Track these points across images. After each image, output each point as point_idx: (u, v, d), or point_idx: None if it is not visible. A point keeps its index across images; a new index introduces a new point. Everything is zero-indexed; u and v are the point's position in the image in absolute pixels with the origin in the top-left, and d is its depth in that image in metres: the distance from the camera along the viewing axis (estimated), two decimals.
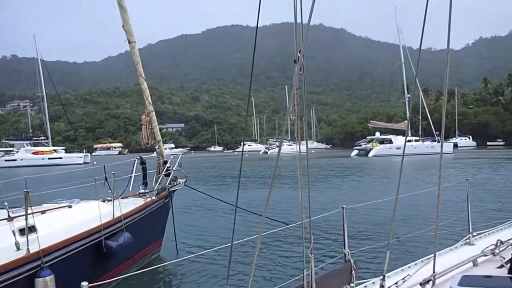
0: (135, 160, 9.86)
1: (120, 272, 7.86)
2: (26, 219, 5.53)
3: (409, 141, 61.70)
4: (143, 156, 10.23)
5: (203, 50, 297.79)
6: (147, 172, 10.02)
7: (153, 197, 9.21)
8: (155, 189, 9.53)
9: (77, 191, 9.08)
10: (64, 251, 6.07)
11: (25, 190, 5.42)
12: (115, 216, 7.51)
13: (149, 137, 10.00)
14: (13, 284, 5.19)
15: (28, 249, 5.45)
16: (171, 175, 9.99)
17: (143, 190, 9.57)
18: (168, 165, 9.98)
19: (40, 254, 5.48)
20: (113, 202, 7.66)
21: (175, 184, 10.09)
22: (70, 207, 7.34)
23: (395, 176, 26.20)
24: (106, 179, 8.38)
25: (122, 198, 8.05)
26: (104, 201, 8.01)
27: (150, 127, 10.01)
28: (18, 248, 5.52)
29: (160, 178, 9.80)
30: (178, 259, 7.85)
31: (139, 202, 8.85)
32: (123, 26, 9.28)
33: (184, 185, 10.39)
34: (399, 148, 58.22)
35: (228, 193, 20.84)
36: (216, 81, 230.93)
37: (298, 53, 2.94)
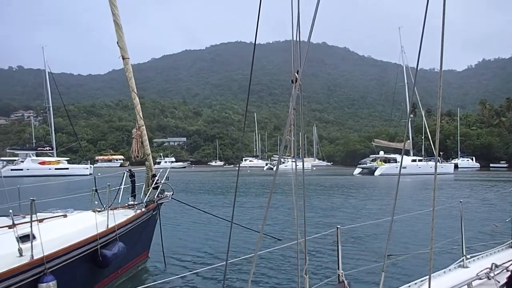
0: (124, 173, 10.10)
1: (111, 282, 8.06)
2: (31, 227, 5.72)
3: (414, 160, 61.62)
4: (132, 169, 10.48)
5: (207, 65, 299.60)
6: (136, 184, 10.29)
7: (143, 209, 9.43)
8: (144, 201, 9.77)
9: (66, 201, 9.19)
10: (65, 258, 6.22)
11: (31, 198, 5.62)
12: (109, 226, 7.67)
13: (139, 150, 10.30)
14: None
15: (32, 255, 5.60)
16: (159, 188, 10.28)
17: (132, 202, 9.86)
18: (156, 178, 10.30)
19: (43, 261, 5.63)
20: (108, 213, 7.85)
21: (163, 197, 10.39)
22: (65, 216, 7.61)
23: (407, 195, 26.36)
24: (96, 190, 8.55)
25: (112, 209, 8.18)
26: (94, 212, 8.15)
27: (140, 140, 10.28)
28: (20, 254, 5.69)
29: (149, 191, 10.08)
30: (175, 277, 7.80)
31: (129, 213, 9.07)
32: (117, 43, 9.61)
33: (171, 198, 10.68)
34: (405, 168, 57.63)
35: (223, 206, 20.86)
36: (218, 97, 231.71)
37: (296, 74, 2.99)
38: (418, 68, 3.29)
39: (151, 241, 10.39)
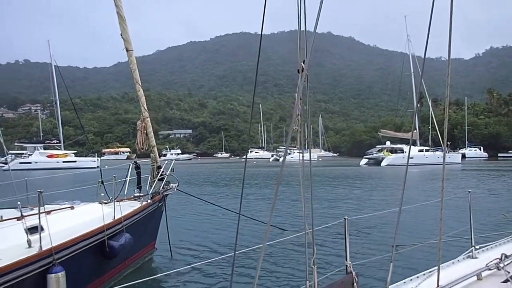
0: (129, 165, 10.20)
1: (118, 273, 8.17)
2: (39, 218, 5.84)
3: (421, 150, 61.29)
4: (137, 161, 10.58)
5: (211, 57, 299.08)
6: (141, 176, 10.39)
7: (149, 200, 9.51)
8: (149, 193, 9.87)
9: (73, 193, 9.31)
10: (73, 249, 6.32)
11: (39, 190, 5.70)
12: (116, 218, 7.75)
13: (144, 142, 10.37)
14: (26, 280, 5.40)
15: (40, 246, 5.70)
16: (164, 180, 10.35)
17: (138, 194, 9.98)
18: (161, 170, 10.39)
19: (52, 252, 5.73)
20: (114, 204, 7.93)
21: (168, 188, 10.46)
22: (72, 208, 7.73)
23: (414, 186, 26.28)
24: (102, 182, 8.63)
25: (118, 201, 8.28)
26: (101, 204, 8.25)
27: (145, 132, 10.34)
28: (29, 246, 5.81)
29: (155, 183, 10.16)
30: (182, 268, 7.85)
31: (135, 205, 9.15)
32: (121, 35, 9.63)
33: (177, 189, 10.76)
34: (412, 158, 57.19)
35: (228, 198, 20.94)
36: (223, 88, 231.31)
37: (302, 63, 2.96)
38: (426, 57, 3.24)
39: (158, 233, 10.50)
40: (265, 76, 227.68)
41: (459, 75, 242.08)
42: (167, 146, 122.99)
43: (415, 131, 63.04)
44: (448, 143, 55.79)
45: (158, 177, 10.25)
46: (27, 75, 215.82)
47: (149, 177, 10.46)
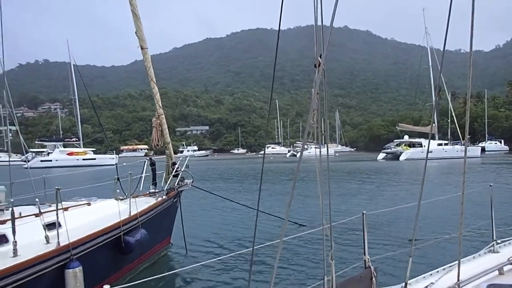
0: (145, 161, 10.31)
1: (134, 268, 8.27)
2: (57, 214, 5.99)
3: (440, 144, 60.34)
4: (152, 158, 10.72)
5: (227, 53, 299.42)
6: (156, 173, 10.48)
7: (164, 197, 9.60)
8: (164, 189, 9.95)
9: (90, 190, 9.44)
10: (90, 245, 6.44)
11: (56, 187, 5.82)
12: (132, 214, 7.84)
13: (159, 139, 10.46)
14: (45, 274, 5.52)
15: (58, 242, 5.83)
16: (179, 176, 10.45)
17: (153, 190, 10.06)
18: (176, 166, 10.46)
19: (69, 247, 5.85)
20: (130, 200, 8.04)
21: (183, 184, 10.55)
22: (89, 204, 7.87)
23: (433, 180, 25.84)
24: (118, 179, 8.73)
25: (133, 197, 8.39)
26: (117, 200, 8.36)
27: (160, 129, 10.42)
28: (47, 241, 5.95)
29: (169, 179, 10.25)
30: (197, 264, 7.90)
31: (151, 201, 9.26)
32: (136, 33, 9.71)
33: (191, 185, 10.84)
34: (431, 152, 56.28)
35: (241, 193, 20.90)
36: (240, 84, 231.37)
37: (319, 58, 2.93)
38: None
39: (173, 228, 10.59)
40: (282, 72, 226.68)
41: (478, 67, 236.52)
42: (183, 142, 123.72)
43: (434, 124, 61.97)
44: (468, 136, 54.55)
45: (173, 174, 10.32)
46: (47, 74, 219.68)
47: (164, 173, 10.55)
